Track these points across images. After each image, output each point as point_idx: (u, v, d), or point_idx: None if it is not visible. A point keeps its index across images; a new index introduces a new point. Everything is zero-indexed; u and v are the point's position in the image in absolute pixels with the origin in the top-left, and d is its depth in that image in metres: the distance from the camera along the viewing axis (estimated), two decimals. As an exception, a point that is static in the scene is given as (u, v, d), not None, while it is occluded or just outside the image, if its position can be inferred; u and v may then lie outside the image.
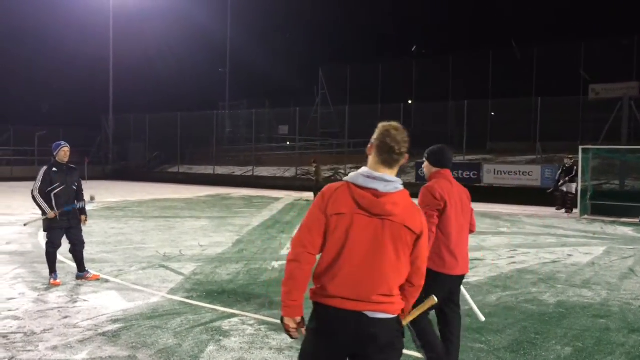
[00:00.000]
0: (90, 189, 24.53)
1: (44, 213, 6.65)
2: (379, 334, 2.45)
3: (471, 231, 4.08)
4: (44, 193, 6.63)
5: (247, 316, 5.55)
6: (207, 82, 43.34)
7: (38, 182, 6.63)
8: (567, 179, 16.69)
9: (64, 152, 6.78)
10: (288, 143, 35.97)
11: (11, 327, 5.12)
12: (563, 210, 16.65)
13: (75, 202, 6.85)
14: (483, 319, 4.43)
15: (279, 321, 5.41)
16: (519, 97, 27.63)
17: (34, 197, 6.64)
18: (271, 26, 46.53)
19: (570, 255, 9.44)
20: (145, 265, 8.05)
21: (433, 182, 3.90)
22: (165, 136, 34.75)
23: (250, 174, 30.44)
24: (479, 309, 4.53)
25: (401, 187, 2.55)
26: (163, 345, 4.69)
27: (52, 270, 6.81)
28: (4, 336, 4.85)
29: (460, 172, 22.68)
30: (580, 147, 15.24)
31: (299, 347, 4.72)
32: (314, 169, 20.68)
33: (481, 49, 33.52)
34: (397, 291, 2.52)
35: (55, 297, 6.23)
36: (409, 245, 2.52)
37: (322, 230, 2.49)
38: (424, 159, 4.10)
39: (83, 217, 6.96)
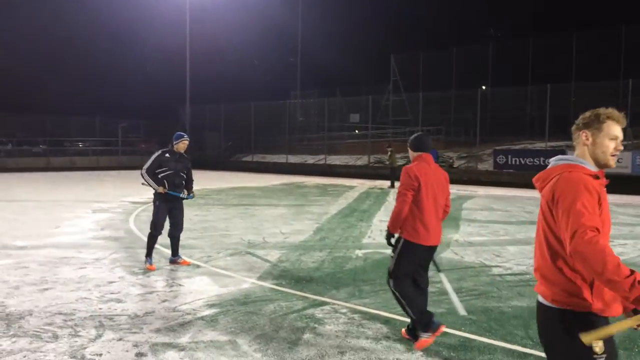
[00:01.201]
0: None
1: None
2: None
3: (446, 212, 4.60)
4: (152, 174, 6.91)
5: (338, 304, 5.53)
6: (279, 72, 43.88)
7: (148, 163, 6.94)
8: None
9: (183, 145, 7.05)
10: (356, 131, 35.83)
11: (115, 309, 5.36)
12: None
13: (184, 192, 7.09)
14: (463, 312, 4.72)
15: (370, 310, 5.41)
16: (602, 80, 26.11)
17: (142, 175, 6.92)
18: (341, 16, 46.29)
19: (673, 247, 8.81)
20: (232, 251, 8.23)
21: (412, 164, 4.48)
22: (239, 126, 35.54)
23: (322, 162, 30.59)
24: None
25: None
26: (260, 330, 4.75)
27: (149, 254, 7.08)
28: (111, 318, 5.08)
29: (542, 159, 21.77)
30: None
31: (396, 337, 4.68)
32: (388, 154, 20.47)
33: (561, 30, 31.89)
34: None
35: (152, 281, 6.47)
36: None
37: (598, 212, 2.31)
38: (408, 147, 4.65)
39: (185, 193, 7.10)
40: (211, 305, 5.48)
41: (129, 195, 16.35)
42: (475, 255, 8.02)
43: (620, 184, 18.78)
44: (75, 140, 36.10)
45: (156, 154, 7.00)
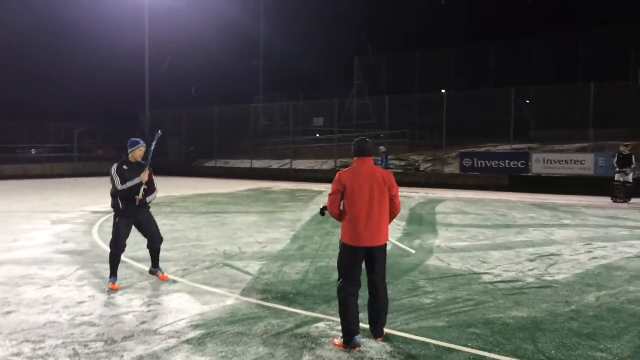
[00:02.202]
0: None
1: (144, 193, 6.45)
2: None
3: (393, 213, 4.72)
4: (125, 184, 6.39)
5: (333, 321, 5.19)
6: (241, 76, 43.19)
7: (117, 180, 6.34)
8: (626, 167, 15.98)
9: (140, 152, 6.51)
10: (318, 135, 35.56)
11: (89, 334, 4.87)
12: (622, 201, 15.93)
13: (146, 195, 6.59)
14: None
15: (366, 326, 5.08)
16: (563, 84, 26.66)
17: (121, 192, 6.33)
18: (304, 18, 46.05)
19: (652, 249, 8.84)
20: (209, 264, 7.78)
21: (343, 170, 4.72)
22: (202, 130, 34.75)
23: (288, 167, 30.18)
24: (579, 310, 5.29)
25: None
26: (255, 354, 4.37)
27: (113, 274, 6.52)
28: (85, 345, 4.60)
29: (507, 161, 21.97)
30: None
31: (401, 356, 4.38)
32: None
33: (522, 35, 32.49)
34: None
35: (126, 300, 5.98)
36: None
37: None
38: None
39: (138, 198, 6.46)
40: (196, 327, 5.06)
41: (89, 205, 15.56)
42: (462, 262, 7.81)
43: (584, 185, 19.19)
44: (28, 147, 34.54)
45: (115, 168, 6.38)
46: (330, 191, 4.70)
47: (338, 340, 4.58)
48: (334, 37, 45.11)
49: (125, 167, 6.42)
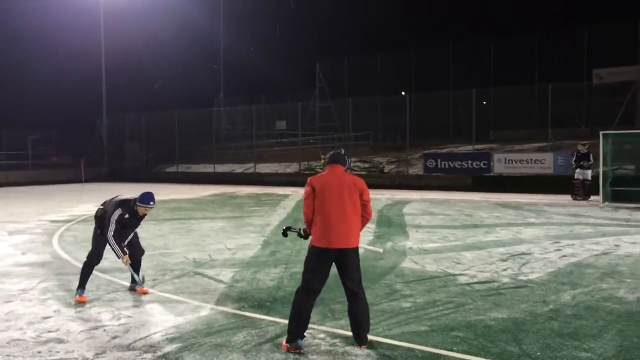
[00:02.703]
0: (88, 191, 24.03)
1: (118, 256, 6.11)
2: None
3: (365, 217, 4.76)
4: (118, 237, 6.05)
5: (313, 328, 5.04)
6: (201, 79, 42.57)
7: (112, 226, 5.97)
8: (585, 164, 16.43)
9: (147, 211, 6.17)
10: (280, 139, 35.41)
11: (58, 352, 4.59)
12: (582, 198, 16.37)
13: (141, 279, 6.45)
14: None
15: (349, 333, 4.97)
16: (519, 85, 27.29)
17: (108, 241, 6.01)
18: (264, 21, 45.81)
19: (617, 245, 9.06)
20: (179, 273, 7.53)
21: (314, 176, 4.81)
22: (162, 135, 34.07)
23: (251, 171, 29.89)
24: (558, 309, 5.47)
25: None
26: (236, 367, 4.20)
27: (82, 285, 6.21)
28: (54, 363, 4.33)
29: (469, 162, 22.33)
30: (601, 133, 14.86)
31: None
32: (322, 162, 20.20)
33: (479, 38, 33.18)
34: None
35: (94, 313, 5.70)
36: None
37: None
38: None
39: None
40: (171, 340, 4.84)
41: (46, 214, 14.96)
42: (436, 264, 7.80)
43: (544, 183, 19.65)
44: (-21, 154, 33.15)
45: (116, 216, 5.98)
46: (303, 199, 4.74)
47: (285, 342, 4.57)
48: (295, 40, 45.03)
49: (127, 216, 6.07)
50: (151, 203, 6.13)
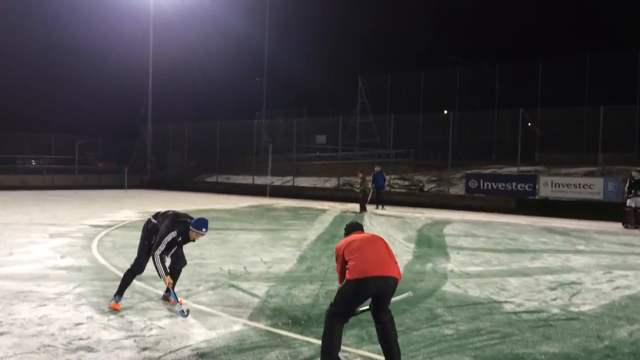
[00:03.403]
0: (130, 197, 24.40)
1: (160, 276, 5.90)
2: None
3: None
4: (164, 258, 5.91)
5: (349, 352, 4.81)
6: (244, 91, 43.07)
7: (162, 246, 5.84)
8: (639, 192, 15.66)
9: (197, 237, 6.00)
10: (318, 153, 35.33)
11: (87, 361, 4.49)
12: (634, 227, 15.58)
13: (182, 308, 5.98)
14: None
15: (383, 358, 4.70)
16: (569, 106, 26.43)
17: (153, 258, 5.86)
18: (309, 35, 46.11)
19: (676, 279, 8.47)
20: (213, 284, 7.40)
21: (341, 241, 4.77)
22: (203, 145, 34.48)
23: (290, 184, 29.85)
24: (614, 346, 5.02)
25: None
26: (267, 389, 3.99)
27: (120, 293, 6.13)
28: (82, 373, 4.21)
29: (514, 184, 21.67)
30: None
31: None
32: (360, 180, 19.94)
33: (527, 56, 32.45)
34: None
35: (126, 322, 5.60)
36: None
37: None
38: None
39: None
40: (202, 355, 4.67)
41: (88, 218, 15.18)
42: (479, 289, 7.43)
43: (593, 210, 18.84)
44: (28, 157, 34.21)
45: (170, 238, 5.85)
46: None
47: None
48: (338, 55, 45.12)
49: (180, 239, 5.96)
50: (203, 230, 5.94)
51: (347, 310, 4.38)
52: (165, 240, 5.82)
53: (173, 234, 5.85)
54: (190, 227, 5.89)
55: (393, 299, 4.53)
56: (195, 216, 6.16)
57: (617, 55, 28.22)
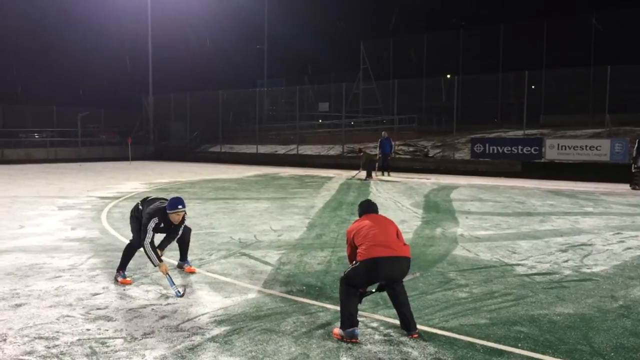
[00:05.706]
0: (135, 169, 24.41)
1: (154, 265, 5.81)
2: None
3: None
4: (153, 246, 5.79)
5: (365, 316, 4.84)
6: (245, 60, 42.58)
7: (149, 233, 5.72)
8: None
9: (177, 216, 5.84)
10: (320, 121, 35.10)
11: (107, 330, 4.53)
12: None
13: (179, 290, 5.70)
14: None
15: (399, 322, 4.72)
16: (572, 67, 26.02)
17: (144, 248, 5.76)
18: (309, 1, 45.31)
19: (686, 239, 8.47)
20: (225, 253, 7.43)
21: (352, 225, 4.78)
22: (206, 115, 34.28)
23: (294, 152, 29.78)
24: (629, 305, 5.02)
25: None
26: (287, 354, 4.02)
27: (123, 267, 6.07)
28: (103, 342, 4.25)
29: (520, 147, 21.56)
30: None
31: (449, 358, 4.04)
32: (362, 157, 19.67)
33: (530, 17, 31.86)
34: None
35: (142, 291, 5.64)
36: None
37: None
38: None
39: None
40: (219, 322, 4.71)
41: (94, 190, 15.20)
42: (490, 252, 7.45)
43: (600, 171, 18.78)
44: (31, 130, 34.11)
45: (153, 224, 5.74)
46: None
47: (337, 330, 4.37)
48: (340, 21, 44.42)
49: (162, 225, 5.85)
50: (180, 207, 5.82)
51: (358, 283, 4.43)
52: (150, 227, 5.74)
53: (155, 220, 5.77)
54: (167, 210, 5.79)
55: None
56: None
57: (624, 14, 27.70)
